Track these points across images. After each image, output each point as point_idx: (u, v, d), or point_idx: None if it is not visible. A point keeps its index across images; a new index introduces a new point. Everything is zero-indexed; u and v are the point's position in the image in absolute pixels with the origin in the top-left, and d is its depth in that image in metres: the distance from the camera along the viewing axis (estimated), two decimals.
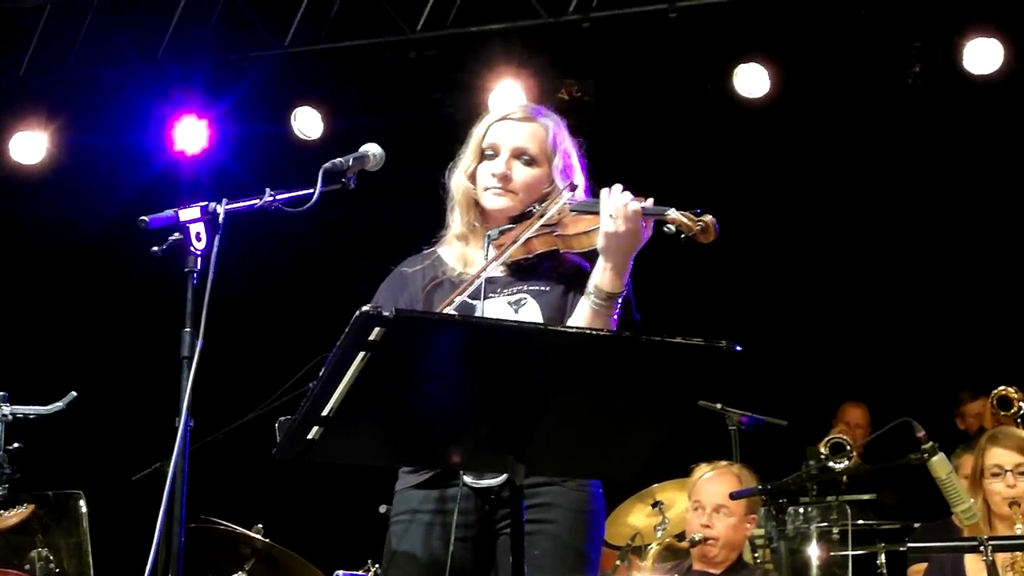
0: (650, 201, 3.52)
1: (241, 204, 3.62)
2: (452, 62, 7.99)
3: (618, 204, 3.49)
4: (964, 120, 7.79)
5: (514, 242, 3.61)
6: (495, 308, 3.61)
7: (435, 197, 3.89)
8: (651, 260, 3.61)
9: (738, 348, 2.87)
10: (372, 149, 3.77)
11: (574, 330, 3.24)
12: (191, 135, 8.15)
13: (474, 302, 3.60)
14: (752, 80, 7.67)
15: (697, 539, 5.57)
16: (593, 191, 3.74)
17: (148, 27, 8.14)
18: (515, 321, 3.53)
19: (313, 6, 7.96)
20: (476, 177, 3.76)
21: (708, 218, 3.47)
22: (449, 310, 3.58)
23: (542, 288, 3.66)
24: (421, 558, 3.55)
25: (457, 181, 3.78)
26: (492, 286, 3.66)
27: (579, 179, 3.78)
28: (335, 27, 7.98)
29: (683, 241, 3.47)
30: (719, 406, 6.46)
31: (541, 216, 3.64)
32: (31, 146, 8.38)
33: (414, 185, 6.33)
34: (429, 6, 7.82)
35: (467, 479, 3.54)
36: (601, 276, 3.53)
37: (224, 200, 3.58)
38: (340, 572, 2.91)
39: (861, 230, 8.16)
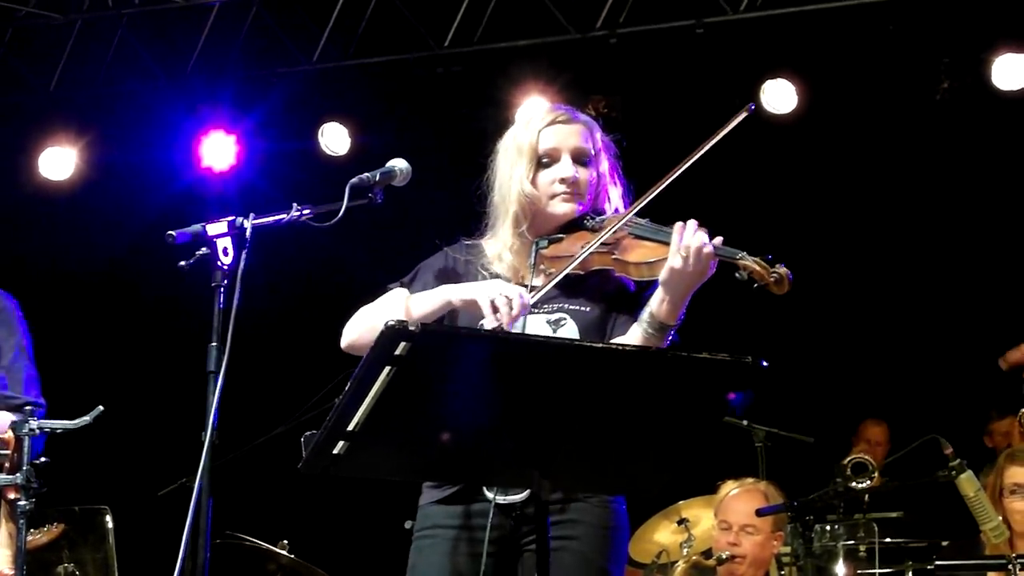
0: (719, 240, 3.47)
1: (268, 219, 3.62)
2: (479, 78, 8.00)
3: (692, 244, 3.43)
4: (993, 136, 7.75)
5: (571, 258, 3.55)
6: (533, 326, 3.56)
7: (461, 211, 3.88)
8: None
9: (764, 364, 2.86)
10: (399, 164, 3.75)
11: (600, 346, 3.23)
12: (219, 151, 8.18)
13: None
14: (780, 96, 7.65)
15: (724, 557, 5.55)
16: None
17: (177, 43, 8.18)
18: (542, 336, 3.51)
19: (341, 22, 7.98)
20: (537, 185, 3.69)
21: (783, 269, 3.41)
22: (487, 323, 3.57)
23: (583, 309, 3.61)
24: (444, 573, 3.53)
25: (519, 190, 3.67)
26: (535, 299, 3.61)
27: (616, 177, 3.75)
28: (363, 43, 8.00)
29: (755, 289, 3.41)
30: (745, 422, 6.44)
31: (594, 231, 3.60)
32: (60, 162, 8.43)
33: (441, 200, 6.37)
34: (457, 22, 7.84)
35: (491, 495, 3.52)
36: (659, 306, 3.48)
37: (251, 215, 3.58)
38: None
39: (886, 246, 8.13)
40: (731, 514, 5.63)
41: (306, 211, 3.66)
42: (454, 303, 3.56)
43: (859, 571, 6.59)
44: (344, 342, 3.67)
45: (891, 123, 7.81)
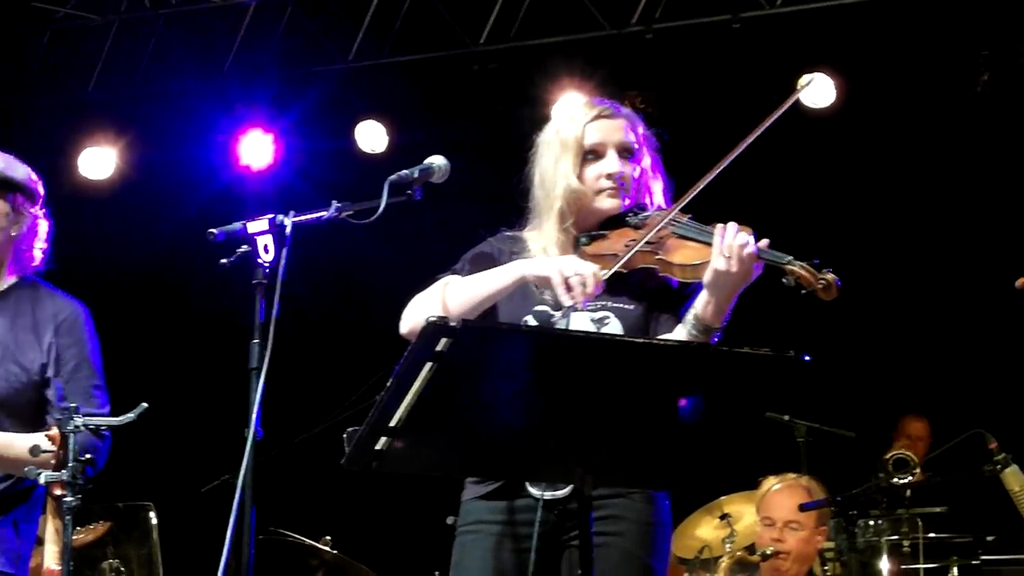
0: (765, 242, 3.45)
1: (308, 216, 3.64)
2: (515, 75, 8.00)
3: (734, 245, 3.41)
4: None
5: (615, 256, 3.53)
6: (578, 323, 3.55)
7: (499, 208, 3.88)
8: None
9: (806, 358, 2.85)
10: (438, 161, 3.75)
11: (641, 341, 3.23)
12: (257, 150, 8.22)
13: (556, 313, 3.57)
14: (818, 90, 7.61)
15: (768, 553, 5.54)
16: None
17: (214, 43, 8.22)
18: (582, 332, 3.50)
19: (376, 21, 8.00)
20: (584, 180, 3.67)
21: (831, 276, 3.38)
22: (530, 319, 3.58)
23: (626, 306, 3.60)
24: (488, 569, 3.53)
25: (565, 185, 3.65)
26: None
27: (657, 171, 3.74)
28: (398, 41, 8.02)
29: (803, 295, 3.38)
30: (786, 417, 6.42)
31: (637, 228, 3.58)
32: (100, 162, 8.48)
33: (477, 197, 6.38)
34: (492, 19, 7.84)
35: (533, 491, 3.53)
36: (703, 309, 3.47)
37: (291, 212, 3.60)
38: None
39: (927, 240, 8.08)
40: (774, 510, 5.62)
41: (345, 208, 3.68)
42: (528, 278, 3.54)
43: (903, 566, 6.56)
44: (404, 329, 3.64)
45: (931, 116, 7.77)
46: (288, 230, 3.58)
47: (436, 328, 2.67)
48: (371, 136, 8.21)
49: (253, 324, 3.51)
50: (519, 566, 3.51)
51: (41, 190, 4.22)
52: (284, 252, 3.55)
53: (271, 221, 3.58)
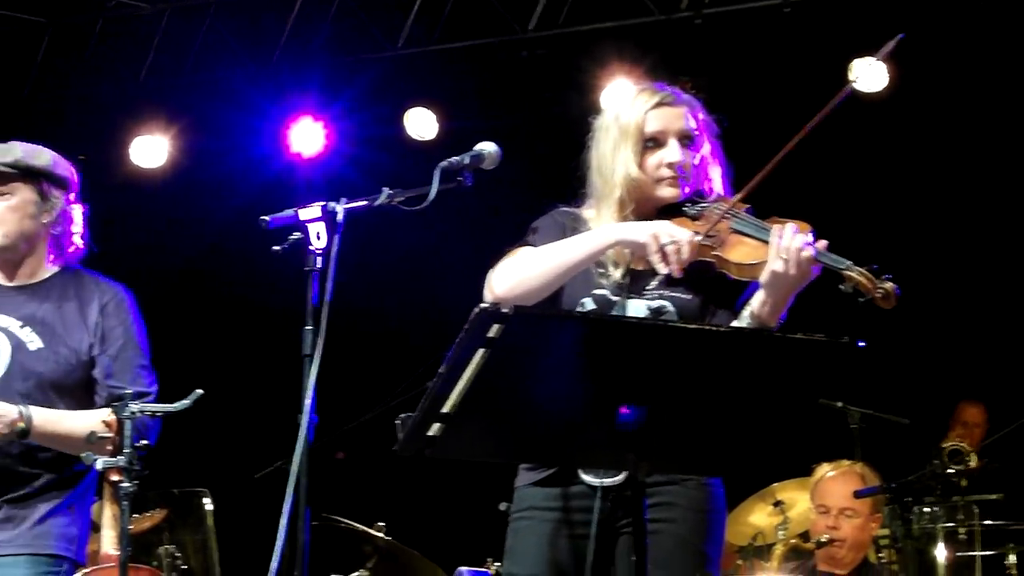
0: (824, 244, 3.41)
1: (360, 203, 3.65)
2: (564, 61, 7.98)
3: (792, 247, 3.37)
4: None
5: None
6: (634, 311, 3.54)
7: (548, 194, 3.87)
8: None
9: (861, 344, 2.83)
10: (488, 147, 3.75)
11: (694, 327, 3.21)
12: (307, 137, 8.25)
13: (615, 298, 3.57)
14: (869, 74, 7.55)
15: (824, 540, 5.51)
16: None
17: (264, 30, 8.25)
18: (634, 317, 3.49)
19: (425, 7, 8.00)
20: (644, 168, 3.63)
21: (890, 285, 3.35)
22: (588, 303, 3.57)
23: (684, 296, 3.57)
24: (541, 555, 3.53)
25: (625, 173, 3.61)
26: (637, 283, 3.59)
27: (717, 158, 3.70)
28: (447, 28, 8.02)
29: (860, 303, 3.34)
30: (840, 404, 6.39)
31: (694, 219, 3.55)
32: (152, 150, 8.53)
33: (527, 183, 6.37)
34: (541, 5, 7.83)
35: (587, 477, 3.52)
36: (760, 307, 3.45)
37: (343, 199, 3.61)
38: (463, 569, 2.91)
39: (982, 224, 8.01)
40: (829, 497, 5.59)
41: (397, 195, 3.69)
42: (623, 242, 3.52)
43: (959, 553, 6.52)
44: (497, 294, 3.54)
45: (985, 100, 7.69)
46: (340, 217, 3.59)
47: (488, 314, 2.67)
48: (421, 123, 8.23)
49: (306, 311, 3.53)
50: (574, 553, 3.51)
51: (71, 176, 4.23)
52: (336, 239, 3.56)
53: (323, 208, 3.60)
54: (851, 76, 7.43)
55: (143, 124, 8.53)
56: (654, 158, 3.64)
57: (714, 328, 3.18)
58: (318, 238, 3.57)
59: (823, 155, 7.67)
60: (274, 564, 3.41)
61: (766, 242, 3.43)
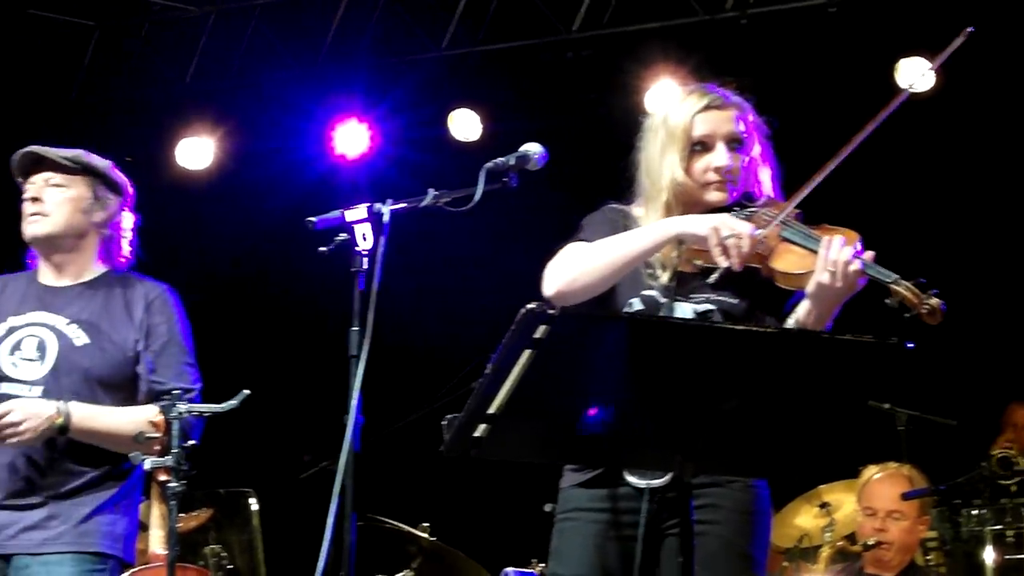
0: (871, 255, 3.39)
1: (405, 204, 3.66)
2: (608, 62, 7.97)
3: (839, 260, 3.36)
4: None
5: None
6: (681, 314, 3.53)
7: (592, 195, 3.86)
8: None
9: (910, 345, 2.81)
10: (534, 148, 3.74)
11: (741, 328, 3.20)
12: (352, 138, 8.27)
13: (663, 300, 3.56)
14: (915, 73, 7.51)
15: (871, 543, 5.48)
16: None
17: (309, 32, 8.27)
18: (680, 318, 3.49)
19: (470, 9, 8.01)
20: (691, 171, 3.62)
21: (936, 301, 3.30)
22: (636, 303, 3.56)
23: (731, 301, 3.55)
24: (587, 556, 3.52)
25: (672, 176, 3.60)
26: (685, 285, 3.58)
27: (767, 160, 3.69)
28: (492, 29, 8.02)
29: (906, 317, 3.30)
30: (887, 405, 6.35)
31: (749, 221, 3.53)
32: (198, 152, 8.58)
33: (571, 185, 6.37)
34: (585, 6, 7.82)
35: (632, 479, 3.52)
36: (805, 317, 3.44)
37: (388, 200, 3.62)
38: (509, 570, 2.91)
39: None
40: (876, 500, 5.56)
41: (443, 196, 3.70)
42: (685, 235, 3.49)
43: (1007, 556, 6.47)
44: (556, 288, 3.52)
45: None
46: (386, 218, 3.60)
47: (534, 315, 2.67)
48: (465, 124, 8.23)
49: (352, 312, 3.53)
50: (620, 554, 3.50)
51: (127, 187, 4.31)
52: (383, 240, 3.57)
53: (369, 209, 3.61)
54: (904, 80, 7.40)
55: (189, 126, 8.57)
56: (701, 162, 3.62)
57: (762, 329, 3.16)
58: (364, 239, 3.58)
59: (872, 156, 7.63)
60: (321, 564, 3.42)
61: (814, 252, 3.41)
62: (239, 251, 8.61)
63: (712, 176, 3.61)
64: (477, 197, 3.65)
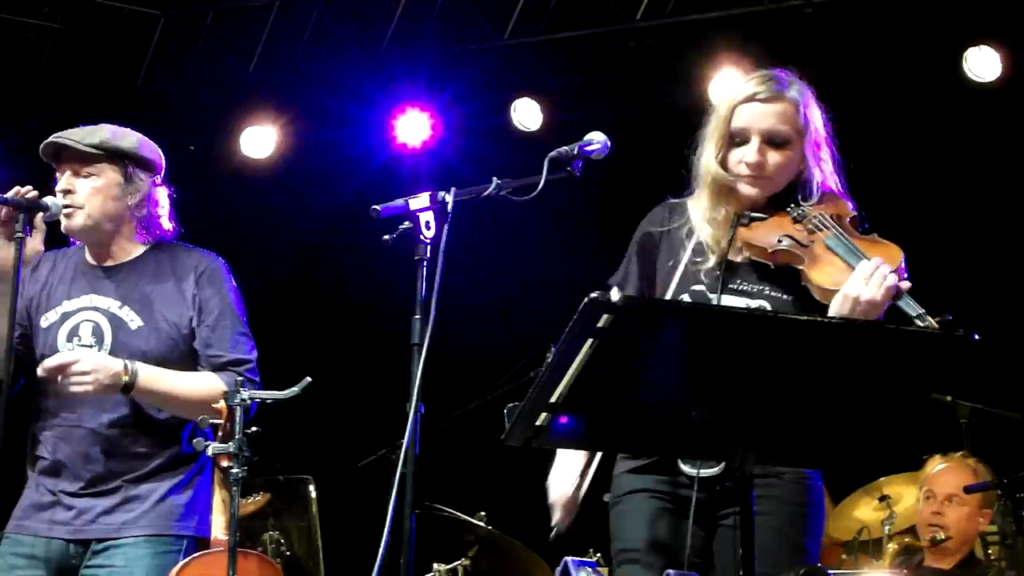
0: (906, 286, 3.37)
1: (468, 193, 3.66)
2: (671, 52, 7.92)
3: (871, 281, 3.35)
4: None
5: (761, 249, 3.55)
6: (731, 305, 3.54)
7: (657, 185, 3.85)
8: None
9: (976, 337, 2.79)
10: (597, 137, 3.74)
11: (804, 318, 3.18)
12: (414, 127, 8.29)
13: (712, 295, 3.56)
14: (984, 64, 7.43)
15: (940, 539, 5.44)
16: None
17: (372, 22, 8.29)
18: (743, 308, 3.48)
19: None
20: (727, 163, 3.64)
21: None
22: (686, 299, 3.56)
23: (780, 296, 3.57)
24: (647, 531, 3.55)
25: (707, 167, 3.64)
26: (733, 276, 3.59)
27: (827, 152, 3.67)
28: (554, 19, 8.00)
29: None
30: (949, 398, 6.30)
31: (796, 220, 3.55)
32: (261, 140, 8.63)
33: (635, 174, 6.34)
34: None
35: (684, 468, 3.52)
36: None
37: (452, 189, 3.62)
38: (569, 559, 2.90)
39: None
40: (937, 485, 5.54)
41: (506, 185, 3.69)
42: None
43: None
44: None
45: None
46: (450, 207, 3.59)
47: (597, 305, 2.66)
48: (527, 114, 8.23)
49: (415, 300, 3.54)
50: (676, 534, 3.51)
51: (158, 159, 4.27)
52: (446, 228, 3.57)
53: (432, 197, 3.61)
54: (964, 63, 7.29)
55: (252, 115, 8.62)
56: (736, 154, 3.64)
57: (825, 320, 3.15)
58: (427, 228, 3.57)
59: (929, 145, 7.55)
60: (381, 552, 3.43)
61: (852, 267, 3.41)
62: (301, 239, 8.65)
63: (743, 169, 3.62)
64: (541, 186, 3.64)
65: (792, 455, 3.25)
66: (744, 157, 3.61)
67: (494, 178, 3.68)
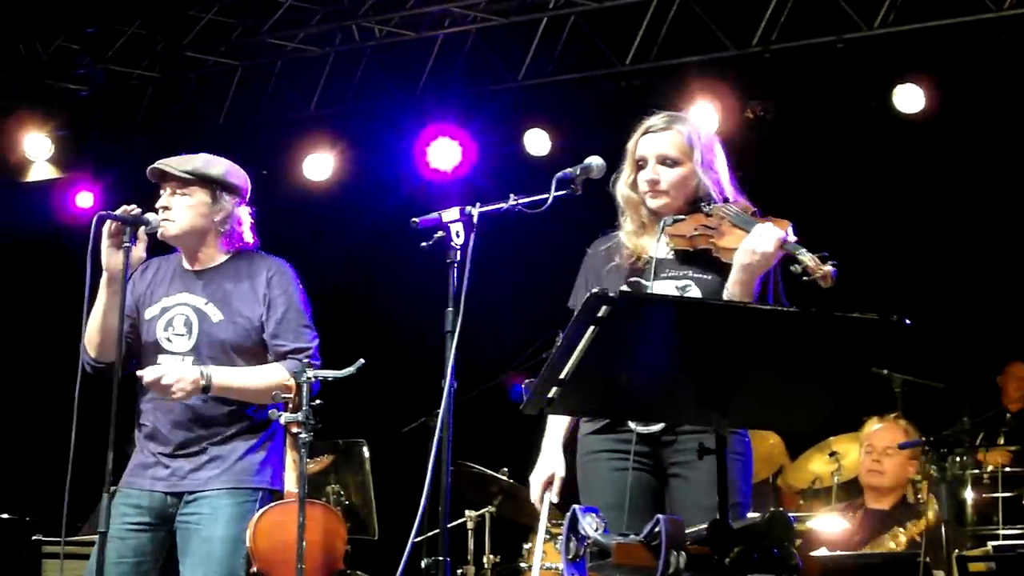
0: (794, 238, 3.48)
1: (490, 207, 3.69)
2: (655, 89, 7.91)
3: (766, 230, 3.49)
4: None
5: (683, 238, 3.64)
6: (663, 289, 3.61)
7: None
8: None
9: (907, 322, 2.79)
10: (595, 161, 3.77)
11: (768, 308, 3.19)
12: (445, 154, 8.29)
13: (646, 283, 3.62)
14: (909, 98, 7.39)
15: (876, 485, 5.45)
16: (756, 195, 3.72)
17: (410, 68, 8.30)
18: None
19: (541, 46, 8.00)
20: (636, 184, 3.76)
21: (828, 268, 3.39)
22: (624, 288, 3.60)
23: (704, 276, 3.63)
24: (608, 487, 3.60)
25: (621, 191, 3.79)
26: (662, 267, 3.66)
27: (721, 167, 3.74)
28: (560, 63, 8.00)
29: (803, 281, 3.41)
30: (885, 371, 6.29)
31: (708, 215, 3.64)
32: (320, 166, 8.65)
33: None
34: (636, 43, 7.77)
35: (634, 426, 3.57)
36: (733, 287, 3.53)
37: (477, 204, 3.65)
38: (576, 506, 2.92)
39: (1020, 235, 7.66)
40: (876, 441, 5.56)
41: (520, 200, 3.71)
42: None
43: (983, 495, 6.42)
44: None
45: (1018, 118, 7.39)
46: (475, 218, 3.64)
47: (598, 298, 2.69)
48: (537, 142, 8.22)
49: (447, 295, 3.55)
50: (636, 485, 3.57)
51: (243, 183, 4.27)
52: (472, 236, 3.61)
53: (461, 211, 3.65)
54: (894, 98, 7.27)
55: (313, 144, 8.63)
56: (640, 176, 3.76)
57: (785, 310, 3.15)
58: (457, 236, 3.61)
59: (865, 168, 7.51)
60: (423, 501, 3.45)
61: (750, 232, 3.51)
62: (354, 246, 8.67)
63: (645, 187, 3.74)
64: (549, 201, 3.68)
65: (756, 419, 3.27)
66: (643, 177, 3.73)
67: (511, 195, 3.71)
